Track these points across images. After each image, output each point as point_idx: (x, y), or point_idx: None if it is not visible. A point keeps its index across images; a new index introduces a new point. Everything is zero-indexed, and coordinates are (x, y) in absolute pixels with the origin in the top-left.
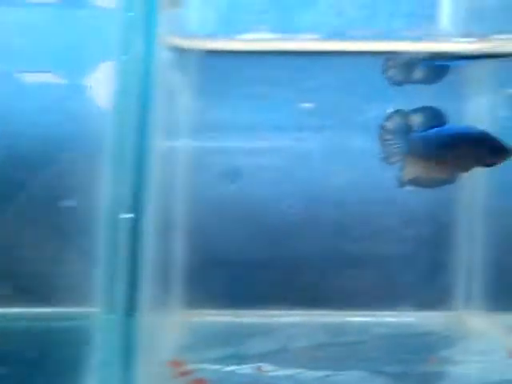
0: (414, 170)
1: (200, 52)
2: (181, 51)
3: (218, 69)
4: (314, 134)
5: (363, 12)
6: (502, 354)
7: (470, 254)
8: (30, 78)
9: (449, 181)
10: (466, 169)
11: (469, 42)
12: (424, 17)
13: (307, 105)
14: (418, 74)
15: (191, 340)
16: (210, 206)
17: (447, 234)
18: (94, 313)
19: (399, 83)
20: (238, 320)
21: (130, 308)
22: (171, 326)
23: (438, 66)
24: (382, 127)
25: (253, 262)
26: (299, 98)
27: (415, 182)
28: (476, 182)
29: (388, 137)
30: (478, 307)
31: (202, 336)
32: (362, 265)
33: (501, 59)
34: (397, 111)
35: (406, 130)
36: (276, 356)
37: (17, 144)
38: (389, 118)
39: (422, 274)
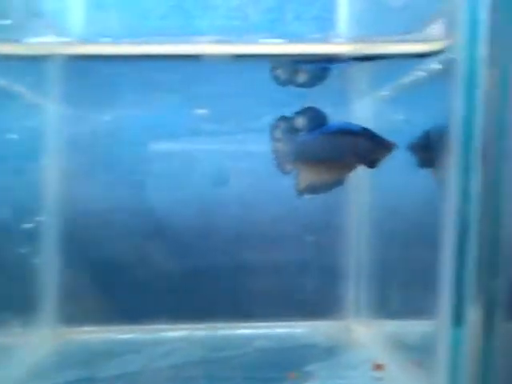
0: (307, 176)
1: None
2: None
3: (102, 74)
4: (209, 139)
5: (263, 16)
6: (366, 367)
7: (358, 260)
8: None
9: (338, 182)
10: (352, 167)
11: (351, 44)
12: (322, 20)
13: (201, 110)
14: (302, 76)
15: (50, 361)
16: (92, 215)
17: (339, 240)
18: None
19: (284, 83)
20: (115, 337)
21: None
22: (38, 345)
23: (320, 69)
24: (272, 137)
25: (139, 274)
26: (193, 104)
27: (311, 188)
28: (361, 183)
29: (278, 145)
30: (366, 316)
31: (66, 356)
32: (255, 274)
33: (378, 60)
34: (281, 118)
35: (293, 136)
36: (131, 378)
37: None
38: (275, 126)
39: (313, 283)
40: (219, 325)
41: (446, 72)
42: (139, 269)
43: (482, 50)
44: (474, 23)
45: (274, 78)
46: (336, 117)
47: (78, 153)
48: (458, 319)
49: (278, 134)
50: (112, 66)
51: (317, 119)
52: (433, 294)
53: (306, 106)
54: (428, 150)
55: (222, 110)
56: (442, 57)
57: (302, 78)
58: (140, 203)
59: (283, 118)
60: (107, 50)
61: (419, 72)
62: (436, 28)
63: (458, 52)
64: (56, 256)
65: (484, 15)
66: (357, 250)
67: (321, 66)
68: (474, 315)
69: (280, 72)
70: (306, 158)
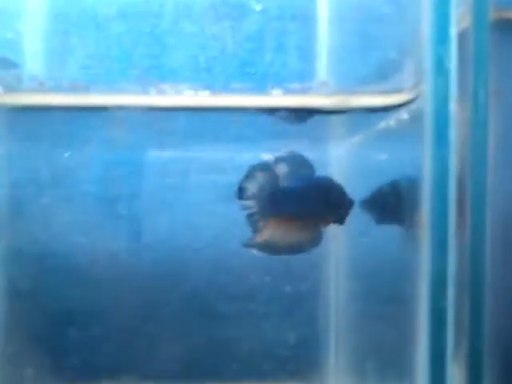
0: (272, 231)
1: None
2: None
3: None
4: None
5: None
6: None
7: (337, 314)
8: None
9: (317, 240)
10: (321, 226)
11: (331, 97)
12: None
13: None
14: None
15: None
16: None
17: (318, 292)
18: None
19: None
20: None
21: None
22: None
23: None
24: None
25: (95, 327)
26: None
27: (273, 247)
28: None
29: (248, 196)
30: (347, 379)
31: None
32: (227, 329)
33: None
34: (259, 166)
35: (267, 187)
36: None
37: None
38: (248, 176)
39: (291, 341)
40: None
41: (414, 123)
42: (96, 322)
43: (452, 100)
44: (441, 72)
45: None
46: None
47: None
48: None
49: (249, 185)
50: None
51: (300, 169)
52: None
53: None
54: (384, 206)
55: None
56: (410, 107)
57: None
58: (100, 248)
59: (262, 166)
60: (66, 101)
61: (390, 121)
62: (406, 75)
63: (426, 103)
64: (2, 309)
65: (452, 63)
66: (336, 304)
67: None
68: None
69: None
70: (278, 213)
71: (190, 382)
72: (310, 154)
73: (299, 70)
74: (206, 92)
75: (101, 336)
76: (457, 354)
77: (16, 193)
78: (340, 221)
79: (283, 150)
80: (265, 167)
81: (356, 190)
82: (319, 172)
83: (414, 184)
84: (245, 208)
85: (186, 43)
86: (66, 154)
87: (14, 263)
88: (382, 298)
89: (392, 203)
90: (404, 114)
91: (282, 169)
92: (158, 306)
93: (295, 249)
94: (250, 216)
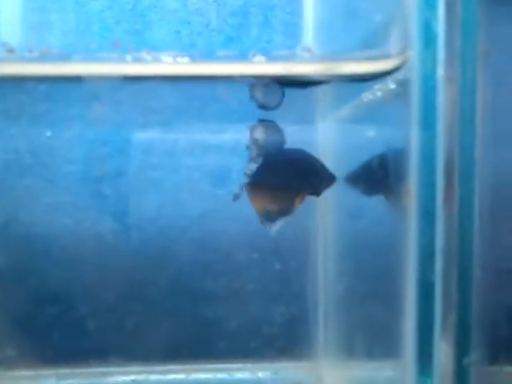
0: (261, 202)
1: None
2: None
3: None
4: (162, 158)
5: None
6: None
7: (326, 292)
8: None
9: (287, 211)
10: (299, 198)
11: (318, 64)
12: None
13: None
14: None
15: None
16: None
17: (306, 269)
18: None
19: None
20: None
21: None
22: None
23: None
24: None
25: (82, 308)
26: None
27: (267, 215)
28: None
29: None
30: (337, 357)
31: None
32: (213, 307)
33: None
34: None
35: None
36: None
37: None
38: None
39: (280, 319)
40: (171, 367)
41: (401, 93)
42: (81, 303)
43: (440, 66)
44: (429, 37)
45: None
46: (298, 137)
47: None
48: (424, 364)
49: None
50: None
51: (274, 137)
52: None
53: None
54: (371, 179)
55: (175, 127)
56: (397, 76)
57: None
58: (87, 229)
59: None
60: (37, 71)
61: (377, 91)
62: (392, 43)
63: (413, 70)
64: None
65: (440, 27)
66: (324, 281)
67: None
68: (444, 359)
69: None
70: (258, 183)
71: (178, 362)
72: (294, 126)
73: (285, 45)
74: (186, 59)
75: (87, 316)
76: (445, 328)
77: None
78: (316, 193)
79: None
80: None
81: (343, 163)
82: (305, 145)
83: (401, 155)
84: None
85: (168, 18)
86: (48, 133)
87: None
88: (371, 273)
89: (379, 176)
90: (391, 84)
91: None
92: (144, 286)
93: (266, 218)
94: None
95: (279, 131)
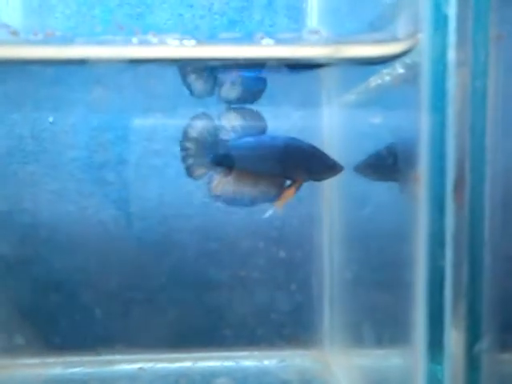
0: (222, 183)
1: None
2: None
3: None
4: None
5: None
6: None
7: (331, 279)
8: None
9: (267, 198)
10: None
11: (317, 46)
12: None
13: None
14: (230, 90)
15: None
16: (35, 229)
17: (311, 257)
18: None
19: (200, 95)
20: (61, 372)
21: None
22: None
23: (255, 82)
24: (184, 135)
25: (87, 296)
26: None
27: (227, 197)
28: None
29: (190, 146)
30: (344, 345)
31: None
32: (219, 296)
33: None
34: (203, 115)
35: (214, 137)
36: None
37: None
38: (192, 124)
39: (285, 307)
40: (178, 355)
41: (410, 77)
42: (87, 290)
43: (451, 50)
44: (439, 19)
45: (188, 88)
46: (302, 122)
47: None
48: (435, 351)
49: (194, 132)
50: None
51: (253, 124)
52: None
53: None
54: (379, 167)
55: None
56: (405, 60)
57: (231, 91)
58: (90, 216)
59: (205, 116)
60: (41, 54)
61: (385, 76)
62: (401, 26)
63: (423, 54)
64: None
65: (451, 10)
66: (330, 269)
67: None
68: (455, 346)
69: (194, 80)
70: (229, 164)
71: (185, 350)
72: (298, 111)
73: (289, 28)
74: (192, 41)
75: (93, 304)
76: (455, 315)
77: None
78: (317, 180)
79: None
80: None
81: (349, 148)
82: (310, 130)
83: (410, 141)
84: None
85: (171, 1)
86: (50, 119)
87: (1, 232)
88: (379, 260)
89: (387, 162)
90: (400, 68)
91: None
92: (150, 274)
93: (248, 201)
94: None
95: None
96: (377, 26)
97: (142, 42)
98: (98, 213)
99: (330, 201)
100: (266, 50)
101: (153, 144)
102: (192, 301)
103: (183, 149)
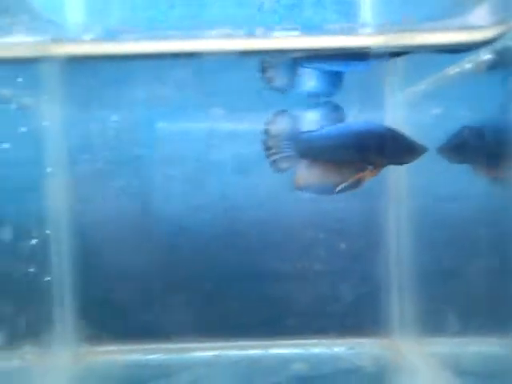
0: (307, 174)
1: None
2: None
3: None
4: (226, 139)
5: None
6: None
7: (400, 269)
8: None
9: (354, 185)
10: (373, 169)
11: (382, 35)
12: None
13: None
14: (309, 82)
15: None
16: (104, 224)
17: (378, 247)
18: None
19: (281, 89)
20: (139, 358)
21: None
22: (57, 368)
23: (334, 75)
24: (266, 132)
25: (161, 288)
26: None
27: (311, 187)
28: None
29: (273, 141)
30: (414, 332)
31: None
32: (286, 286)
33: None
34: (283, 111)
35: (295, 130)
36: None
37: None
38: (273, 120)
39: (353, 296)
40: (249, 343)
41: (500, 63)
42: (160, 281)
43: None
44: None
45: (267, 81)
46: (366, 115)
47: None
48: None
49: (275, 129)
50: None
51: (333, 115)
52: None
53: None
54: (460, 155)
55: (238, 107)
56: (495, 46)
57: (309, 83)
58: (156, 210)
59: (282, 113)
60: (107, 50)
61: (465, 63)
62: (481, 13)
63: None
64: (69, 271)
65: None
66: (397, 258)
67: (334, 70)
68: None
69: (273, 73)
70: (311, 155)
71: (256, 338)
72: (360, 104)
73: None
74: (296, 32)
75: (165, 294)
76: None
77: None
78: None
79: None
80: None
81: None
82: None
83: (499, 128)
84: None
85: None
86: (115, 117)
87: (78, 228)
88: (466, 248)
89: (473, 146)
90: (484, 54)
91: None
92: (218, 266)
93: (332, 190)
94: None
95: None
96: (452, 13)
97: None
98: (162, 207)
99: (396, 190)
100: (368, 39)
101: (214, 139)
102: (260, 291)
103: (266, 146)
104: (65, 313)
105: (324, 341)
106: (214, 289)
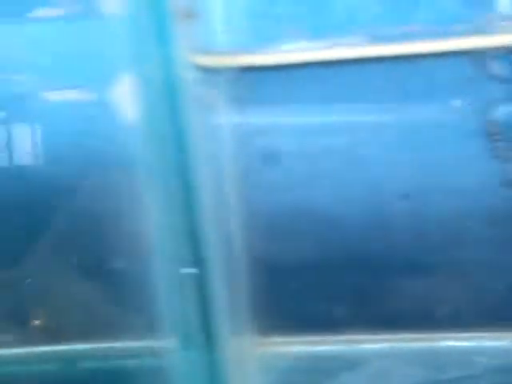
0: None
1: (232, 69)
2: (208, 69)
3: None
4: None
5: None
6: None
7: None
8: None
9: None
10: None
11: None
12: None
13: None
14: None
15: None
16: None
17: None
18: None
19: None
20: (314, 350)
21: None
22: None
23: None
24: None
25: (326, 281)
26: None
27: None
28: None
29: (497, 130)
30: None
31: (278, 374)
32: (446, 277)
33: None
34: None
35: None
36: None
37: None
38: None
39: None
40: (419, 335)
41: None
42: (330, 273)
43: None
44: None
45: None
46: None
47: None
48: None
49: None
50: None
51: None
52: None
53: None
54: None
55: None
56: None
57: None
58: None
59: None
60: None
61: None
62: None
63: None
64: (245, 259)
65: None
66: None
67: None
68: None
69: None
70: None
71: (424, 330)
72: None
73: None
74: None
75: (327, 289)
76: None
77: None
78: None
79: None
80: None
81: None
82: None
83: None
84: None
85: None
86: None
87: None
88: None
89: None
90: None
91: None
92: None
93: None
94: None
95: None
96: None
97: None
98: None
99: None
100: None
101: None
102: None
103: (491, 134)
104: (238, 304)
105: (496, 335)
106: (380, 282)
